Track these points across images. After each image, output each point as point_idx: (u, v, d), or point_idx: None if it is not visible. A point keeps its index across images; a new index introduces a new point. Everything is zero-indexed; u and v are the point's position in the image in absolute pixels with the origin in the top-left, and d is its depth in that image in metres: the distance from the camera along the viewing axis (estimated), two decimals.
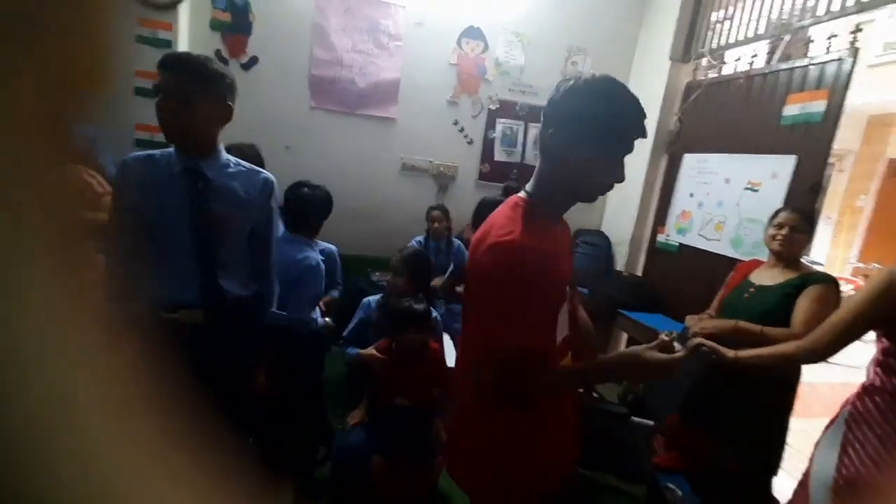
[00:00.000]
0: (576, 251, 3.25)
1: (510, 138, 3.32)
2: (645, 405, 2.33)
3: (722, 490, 1.68)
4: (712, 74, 2.84)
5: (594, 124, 0.79)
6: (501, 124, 3.27)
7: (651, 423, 1.57)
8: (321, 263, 1.71)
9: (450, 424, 1.08)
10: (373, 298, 2.05)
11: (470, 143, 3.25)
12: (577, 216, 3.44)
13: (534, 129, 3.31)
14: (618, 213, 3.37)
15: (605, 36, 3.29)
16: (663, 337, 0.86)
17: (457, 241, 2.85)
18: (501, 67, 3.20)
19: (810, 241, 1.67)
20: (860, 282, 5.65)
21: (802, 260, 1.65)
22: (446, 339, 2.21)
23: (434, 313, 2.03)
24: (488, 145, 3.29)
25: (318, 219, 1.78)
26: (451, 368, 1.78)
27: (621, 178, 0.84)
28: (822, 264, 4.96)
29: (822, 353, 1.19)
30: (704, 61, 2.91)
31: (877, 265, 5.05)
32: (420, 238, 2.84)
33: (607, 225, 3.49)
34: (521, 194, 0.89)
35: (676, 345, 0.84)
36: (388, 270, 2.07)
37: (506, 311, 0.79)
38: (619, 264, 3.28)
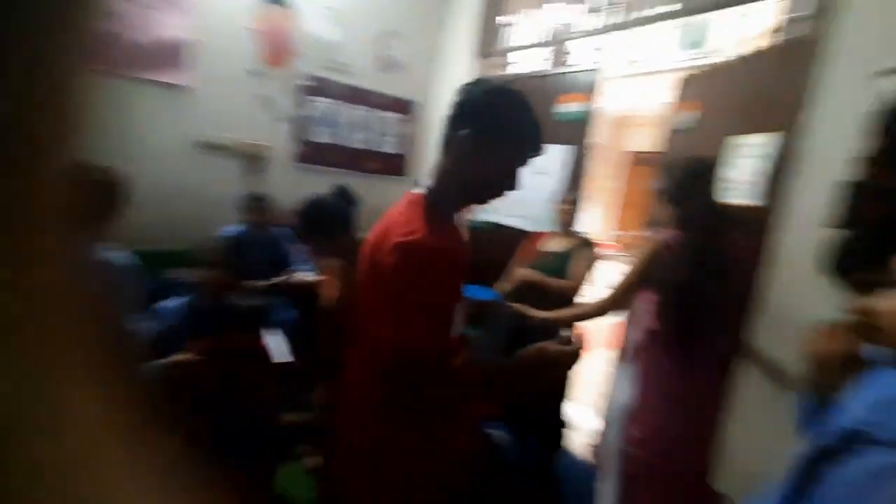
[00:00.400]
0: None
1: (330, 118, 3.19)
2: None
3: (526, 421, 2.00)
4: (504, 72, 3.24)
5: (508, 132, 0.81)
6: (319, 103, 3.11)
7: None
8: None
9: (339, 435, 0.96)
10: (173, 303, 1.71)
11: (283, 121, 3.00)
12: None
13: (355, 111, 3.25)
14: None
15: (419, 23, 3.42)
16: (564, 334, 0.90)
17: (282, 232, 2.64)
18: (315, 42, 3.02)
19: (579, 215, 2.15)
20: (617, 245, 7.71)
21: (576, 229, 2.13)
22: (273, 335, 2.04)
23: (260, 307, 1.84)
24: (305, 124, 3.09)
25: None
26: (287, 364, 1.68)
27: (514, 188, 0.86)
28: (589, 233, 6.37)
29: (610, 308, 1.51)
30: (497, 60, 3.29)
31: (628, 232, 7.02)
32: (234, 228, 2.51)
33: None
34: (418, 191, 0.88)
35: (573, 339, 0.89)
36: (189, 265, 1.74)
37: (412, 312, 0.77)
38: None
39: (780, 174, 1.70)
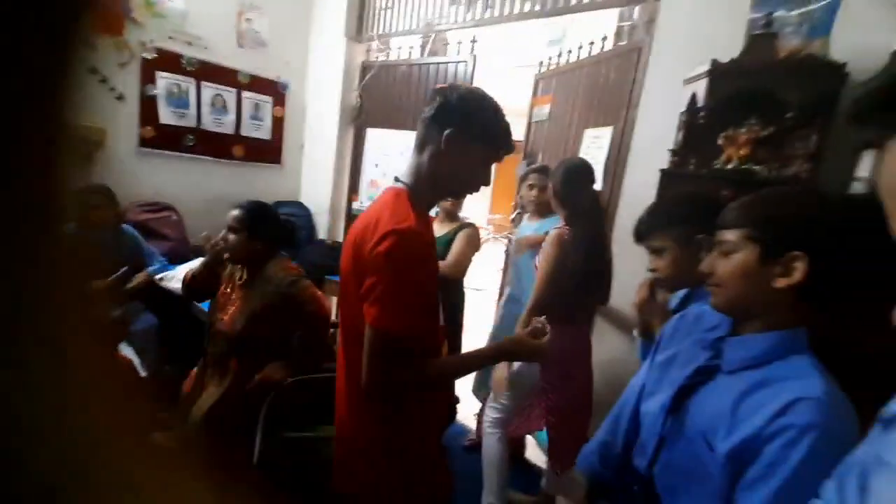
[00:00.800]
0: None
1: (179, 97, 2.80)
2: None
3: None
4: (382, 58, 3.20)
5: (485, 132, 0.90)
6: (165, 79, 2.71)
7: None
8: None
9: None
10: None
11: (120, 98, 2.56)
12: (274, 188, 3.31)
13: (213, 90, 2.90)
14: (314, 184, 3.44)
15: None
16: (536, 325, 0.99)
17: (129, 230, 2.28)
18: (154, 8, 2.61)
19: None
20: (491, 227, 8.35)
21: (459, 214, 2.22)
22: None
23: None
24: (149, 104, 2.68)
25: None
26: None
27: (488, 183, 0.94)
28: (469, 217, 6.77)
29: (542, 298, 1.60)
30: (374, 44, 3.23)
31: (500, 215, 7.72)
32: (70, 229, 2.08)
33: (306, 196, 3.52)
34: (400, 185, 0.93)
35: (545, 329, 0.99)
36: None
37: (407, 296, 0.82)
38: (322, 233, 3.39)
39: (615, 163, 1.99)
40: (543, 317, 1.03)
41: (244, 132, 3.13)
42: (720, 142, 1.49)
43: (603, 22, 2.38)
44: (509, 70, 4.10)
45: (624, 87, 1.98)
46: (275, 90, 3.23)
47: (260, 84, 3.14)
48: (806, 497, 0.51)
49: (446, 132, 0.88)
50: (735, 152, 1.46)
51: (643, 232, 1.09)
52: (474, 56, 2.69)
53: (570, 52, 2.43)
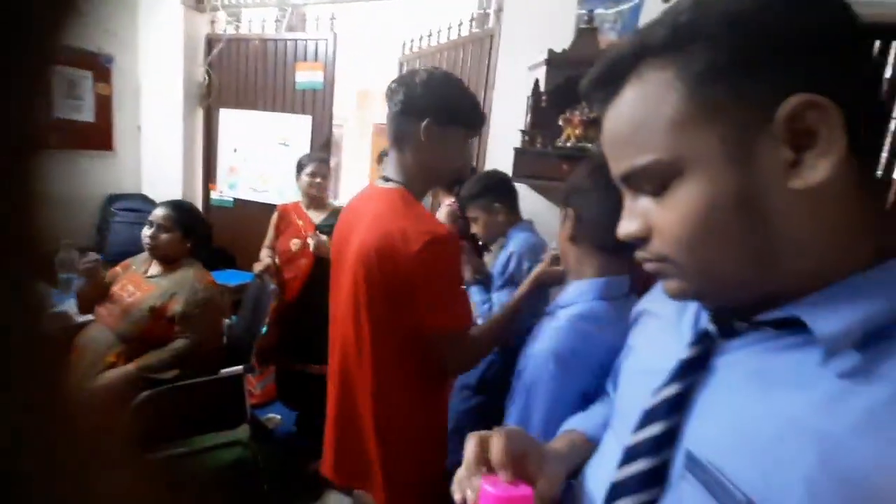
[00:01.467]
0: (113, 221, 2.71)
1: None
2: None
3: (308, 393, 2.01)
4: (231, 31, 2.90)
5: (459, 112, 0.89)
6: None
7: (240, 367, 1.66)
8: None
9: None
10: None
11: None
12: (107, 179, 2.82)
13: None
14: (160, 173, 3.00)
15: None
16: (552, 252, 0.99)
17: None
18: None
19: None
20: None
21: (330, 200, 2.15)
22: None
23: None
24: None
25: None
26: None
27: (470, 161, 0.95)
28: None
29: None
30: (220, 15, 2.91)
31: None
32: None
33: (150, 187, 3.06)
34: (393, 185, 0.91)
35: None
36: None
37: (457, 296, 0.89)
38: None
39: (478, 142, 2.14)
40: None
41: (65, 115, 2.59)
42: (560, 122, 1.70)
43: (462, 5, 2.48)
44: (373, 51, 4.05)
45: (481, 72, 2.12)
46: (96, 63, 2.72)
47: (74, 57, 2.61)
48: None
49: (423, 123, 0.87)
50: (572, 132, 1.68)
51: (462, 206, 1.38)
52: (335, 34, 2.60)
53: (429, 34, 2.50)
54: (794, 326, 0.33)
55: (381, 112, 6.24)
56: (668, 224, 0.36)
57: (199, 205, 3.04)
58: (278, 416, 2.34)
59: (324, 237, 1.90)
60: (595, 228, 0.70)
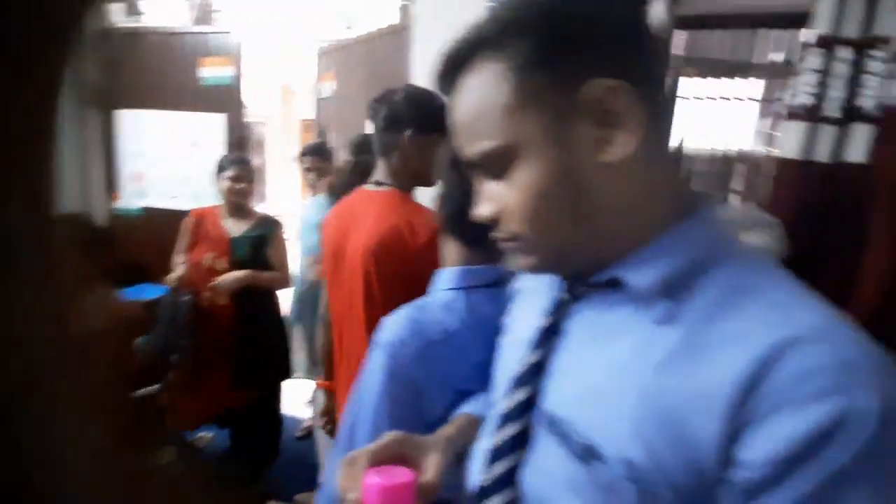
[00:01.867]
0: None
1: None
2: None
3: (240, 416, 1.90)
4: (130, 24, 2.65)
5: (436, 120, 0.89)
6: None
7: (154, 387, 1.54)
8: None
9: None
10: None
11: None
12: None
13: None
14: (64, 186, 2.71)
15: None
16: None
17: None
18: None
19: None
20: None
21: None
22: None
23: None
24: None
25: None
26: None
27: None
28: (272, 211, 6.17)
29: None
30: (115, 7, 2.65)
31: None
32: None
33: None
34: (387, 189, 1.00)
35: None
36: None
37: None
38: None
39: None
40: None
41: None
42: None
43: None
44: (291, 44, 3.89)
45: (401, 64, 2.09)
46: None
47: None
48: None
49: (406, 133, 0.97)
50: None
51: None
52: (242, 25, 2.46)
53: (349, 27, 2.43)
54: (620, 285, 0.38)
55: (307, 108, 6.02)
56: (512, 203, 0.39)
57: (102, 217, 2.77)
58: (209, 434, 2.20)
59: (227, 281, 1.73)
60: (449, 220, 0.70)
